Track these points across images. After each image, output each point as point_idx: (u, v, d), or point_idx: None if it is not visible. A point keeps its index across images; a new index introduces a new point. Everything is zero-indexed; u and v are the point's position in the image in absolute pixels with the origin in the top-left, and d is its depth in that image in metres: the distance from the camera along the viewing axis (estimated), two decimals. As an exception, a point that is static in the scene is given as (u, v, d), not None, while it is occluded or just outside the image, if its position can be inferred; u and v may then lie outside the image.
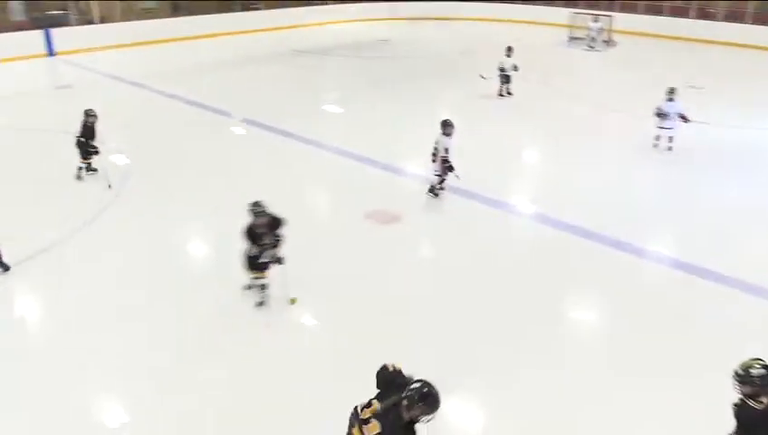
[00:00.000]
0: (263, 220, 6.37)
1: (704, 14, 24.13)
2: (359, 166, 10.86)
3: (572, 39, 23.05)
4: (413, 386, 3.57)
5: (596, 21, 22.17)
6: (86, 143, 9.73)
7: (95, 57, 19.73)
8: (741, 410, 3.83)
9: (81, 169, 9.94)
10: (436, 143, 9.12)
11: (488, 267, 7.58)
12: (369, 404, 3.72)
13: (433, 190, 9.38)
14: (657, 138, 11.35)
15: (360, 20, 27.29)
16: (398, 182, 10.26)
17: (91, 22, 21.75)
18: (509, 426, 5.11)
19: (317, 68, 19.25)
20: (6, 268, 7.33)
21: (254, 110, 13.94)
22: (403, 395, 3.55)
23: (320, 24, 26.31)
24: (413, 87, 16.60)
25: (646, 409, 5.24)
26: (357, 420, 3.76)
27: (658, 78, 15.48)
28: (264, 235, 6.39)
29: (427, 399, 3.52)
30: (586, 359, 5.92)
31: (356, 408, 3.81)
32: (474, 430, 4.72)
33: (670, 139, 11.24)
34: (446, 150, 8.99)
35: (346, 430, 3.86)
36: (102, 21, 21.84)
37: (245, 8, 25.57)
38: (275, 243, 6.46)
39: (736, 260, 7.61)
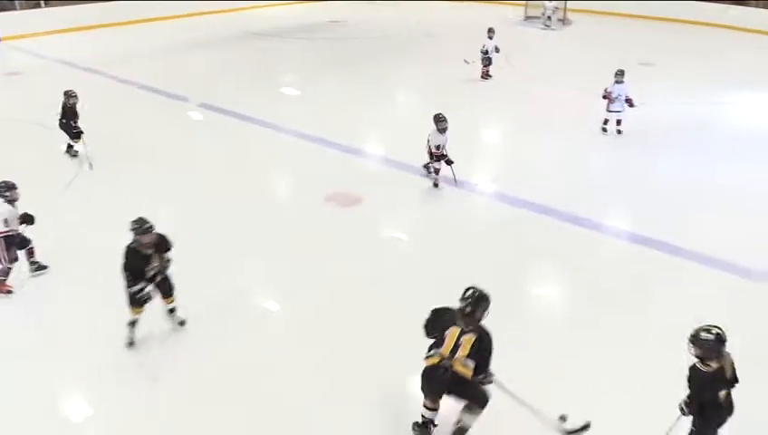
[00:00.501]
0: (149, 238, 5.41)
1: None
2: (318, 148, 10.81)
3: (528, 18, 23.20)
4: (467, 296, 4.34)
5: (551, 0, 22.34)
6: (69, 124, 9.79)
7: (43, 42, 19.04)
8: (692, 372, 4.06)
9: (71, 147, 10.03)
10: (429, 138, 8.84)
11: (450, 245, 7.67)
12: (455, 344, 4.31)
13: (436, 184, 9.15)
14: (606, 122, 11.26)
15: (314, 0, 26.95)
16: (358, 164, 10.25)
17: (37, 5, 20.98)
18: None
19: (273, 50, 18.97)
20: (42, 268, 6.97)
21: (210, 94, 13.70)
22: (464, 306, 4.32)
23: (274, 6, 25.87)
24: (370, 68, 16.53)
25: (607, 379, 5.42)
26: (449, 359, 4.29)
27: (613, 56, 15.73)
28: (150, 257, 5.48)
29: (484, 298, 4.33)
30: (547, 332, 6.07)
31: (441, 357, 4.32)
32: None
33: (618, 122, 11.18)
34: (438, 147, 8.74)
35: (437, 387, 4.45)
36: (49, 4, 21.09)
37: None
38: (163, 268, 5.59)
39: (691, 233, 7.86)
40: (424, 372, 4.46)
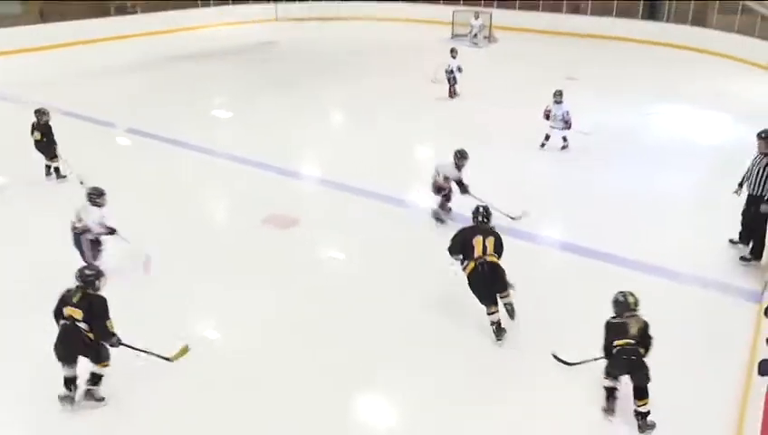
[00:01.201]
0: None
1: (575, 9, 25.60)
2: (253, 171, 10.64)
3: (455, 36, 23.73)
4: (480, 211, 6.51)
5: (477, 18, 22.93)
6: (51, 142, 9.70)
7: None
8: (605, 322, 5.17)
9: (48, 166, 9.84)
10: (439, 171, 8.46)
11: (390, 264, 7.65)
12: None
13: (439, 217, 8.72)
14: (547, 137, 11.51)
15: (243, 22, 26.70)
16: (293, 185, 10.14)
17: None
18: (418, 411, 5.21)
19: (203, 73, 18.64)
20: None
21: (139, 118, 13.30)
22: (480, 220, 6.44)
23: (202, 28, 25.47)
24: (303, 88, 16.47)
25: (554, 392, 5.51)
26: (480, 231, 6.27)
27: (540, 71, 16.26)
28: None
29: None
30: (490, 344, 6.11)
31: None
32: (391, 419, 4.75)
33: (564, 139, 11.47)
34: (446, 179, 8.41)
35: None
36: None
37: (121, 12, 24.33)
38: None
39: (633, 243, 8.10)
40: (470, 279, 6.14)
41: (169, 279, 7.21)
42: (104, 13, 23.96)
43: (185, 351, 5.67)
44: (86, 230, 6.94)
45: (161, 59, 20.12)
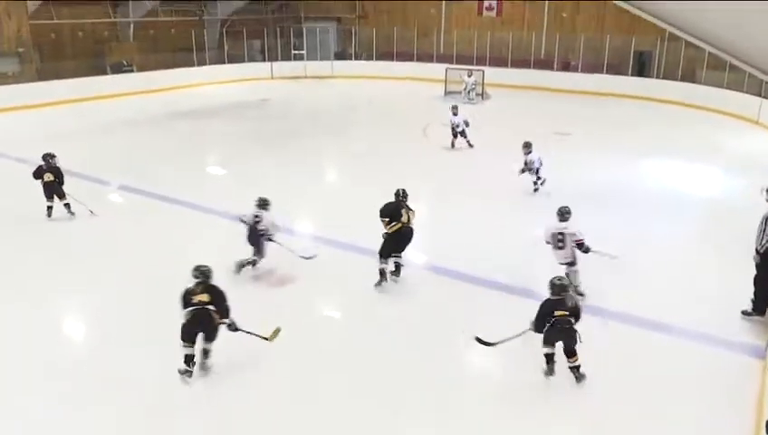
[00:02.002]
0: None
1: (565, 66, 26.30)
2: (244, 228, 10.61)
3: (448, 93, 24.23)
4: (402, 194, 8.52)
5: (470, 75, 23.47)
6: (60, 183, 10.55)
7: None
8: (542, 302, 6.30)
9: (51, 208, 10.64)
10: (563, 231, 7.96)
11: (386, 322, 7.58)
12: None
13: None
14: (537, 180, 12.21)
15: (238, 80, 27.25)
16: (288, 242, 10.11)
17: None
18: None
19: (197, 130, 18.88)
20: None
21: (132, 176, 13.36)
22: (403, 196, 8.50)
23: (197, 86, 25.95)
24: (295, 144, 16.66)
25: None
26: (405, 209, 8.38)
27: (532, 127, 16.53)
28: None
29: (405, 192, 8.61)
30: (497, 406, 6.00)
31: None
32: None
33: (543, 182, 12.15)
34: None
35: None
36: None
37: (117, 70, 24.82)
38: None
39: (630, 298, 8.11)
40: (393, 235, 8.24)
41: (158, 338, 7.12)
42: (100, 71, 24.48)
43: (277, 331, 6.69)
44: (266, 231, 8.60)
45: (156, 117, 20.40)
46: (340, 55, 31.00)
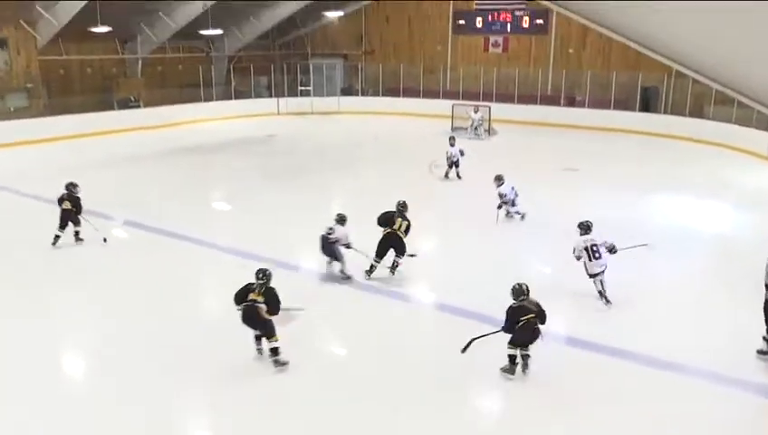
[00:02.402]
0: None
1: (571, 102, 26.56)
2: (252, 264, 10.62)
3: (455, 129, 24.44)
4: (402, 204, 10.09)
5: (477, 111, 23.71)
6: (77, 212, 11.23)
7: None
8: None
9: (58, 236, 11.16)
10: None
11: (395, 360, 7.56)
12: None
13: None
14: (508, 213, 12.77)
15: (245, 116, 27.57)
16: (295, 279, 10.15)
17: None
18: None
19: (203, 166, 19.08)
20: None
21: (137, 211, 13.48)
22: (402, 208, 10.03)
23: (204, 122, 26.29)
24: (302, 180, 16.80)
25: None
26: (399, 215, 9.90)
27: (540, 163, 16.66)
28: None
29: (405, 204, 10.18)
30: None
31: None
32: None
33: (523, 216, 12.77)
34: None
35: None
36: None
37: (124, 106, 25.22)
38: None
39: (639, 336, 8.05)
40: (382, 239, 9.81)
41: (163, 376, 7.11)
42: (108, 106, 24.88)
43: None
44: (337, 241, 9.71)
45: (162, 152, 20.65)
46: (347, 91, 31.41)
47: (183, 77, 27.66)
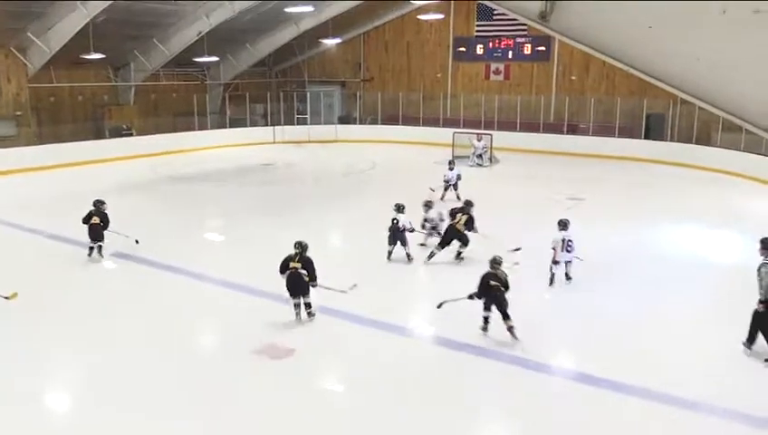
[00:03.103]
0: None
1: (574, 130, 26.76)
2: (245, 297, 10.64)
3: (456, 157, 24.53)
4: (469, 202, 12.46)
5: (480, 139, 23.85)
6: (105, 226, 12.35)
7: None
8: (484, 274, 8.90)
9: (93, 248, 12.32)
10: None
11: (392, 396, 7.48)
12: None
13: None
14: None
15: (240, 144, 27.76)
16: (287, 312, 10.09)
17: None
18: None
19: (197, 195, 19.13)
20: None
21: (126, 242, 13.45)
22: (468, 205, 12.40)
23: (198, 150, 26.43)
24: (298, 211, 16.81)
25: None
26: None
27: (545, 192, 16.70)
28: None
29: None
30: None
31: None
32: None
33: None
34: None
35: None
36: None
37: (116, 134, 25.38)
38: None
39: (646, 369, 7.99)
40: (447, 231, 12.05)
41: (147, 413, 7.03)
42: (99, 135, 25.05)
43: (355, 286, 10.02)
44: (404, 227, 11.99)
45: (155, 181, 20.71)
46: (345, 119, 31.66)
47: (177, 105, 27.93)
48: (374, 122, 30.71)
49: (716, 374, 7.95)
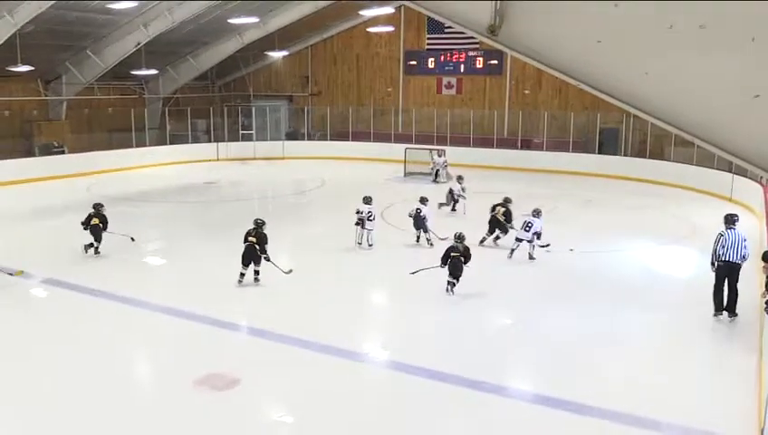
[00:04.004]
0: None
1: (529, 145, 27.30)
2: (187, 324, 10.42)
3: (408, 174, 24.75)
4: (507, 199, 15.19)
5: (441, 155, 24.07)
6: (104, 227, 13.82)
7: None
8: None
9: (91, 246, 13.78)
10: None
11: (344, 426, 7.42)
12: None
13: None
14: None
15: (180, 162, 27.37)
16: (233, 339, 9.95)
17: None
18: None
19: (134, 216, 18.69)
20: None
21: (58, 267, 13.07)
22: (507, 202, 15.03)
23: (136, 168, 25.96)
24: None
25: None
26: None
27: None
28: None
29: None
30: None
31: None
32: None
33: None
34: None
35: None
36: None
37: (46, 152, 24.71)
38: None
39: (602, 389, 8.14)
40: (490, 221, 14.69)
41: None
42: (27, 152, 24.36)
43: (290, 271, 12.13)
44: (426, 217, 14.63)
45: (88, 202, 20.01)
46: (292, 135, 31.63)
47: (113, 120, 27.44)
48: (323, 138, 30.76)
49: (674, 392, 8.13)
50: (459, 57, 29.01)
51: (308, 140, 31.09)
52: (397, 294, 12.26)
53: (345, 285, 12.32)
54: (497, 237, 14.83)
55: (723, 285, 10.09)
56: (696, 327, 10.15)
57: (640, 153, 24.69)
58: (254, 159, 28.78)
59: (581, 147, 26.08)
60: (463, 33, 26.31)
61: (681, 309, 10.96)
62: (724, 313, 10.10)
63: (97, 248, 13.88)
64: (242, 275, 11.80)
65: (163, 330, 10.29)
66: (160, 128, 29.19)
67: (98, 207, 14.17)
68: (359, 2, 25.26)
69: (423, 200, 14.88)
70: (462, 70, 29.15)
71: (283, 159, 29.00)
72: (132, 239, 14.35)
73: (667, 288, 12.31)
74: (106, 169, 24.95)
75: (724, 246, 10.08)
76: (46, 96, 25.92)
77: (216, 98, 32.49)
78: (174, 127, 29.30)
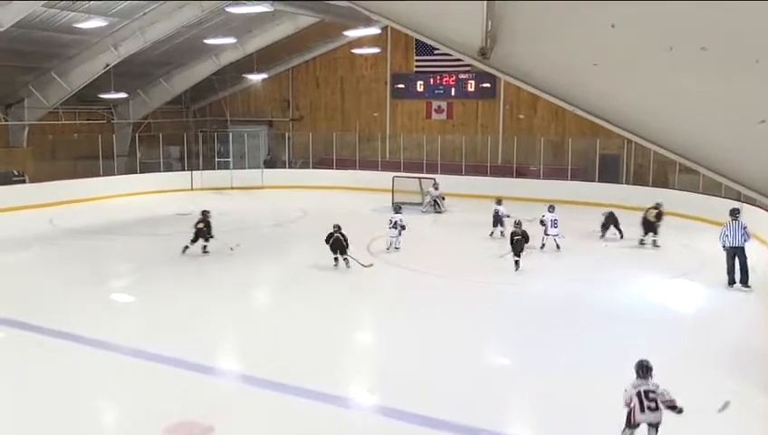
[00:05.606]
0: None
1: (524, 173, 27.49)
2: (156, 367, 10.32)
3: (396, 203, 24.74)
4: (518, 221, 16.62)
5: (437, 188, 24.18)
6: (208, 231, 16.99)
7: None
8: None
9: (187, 247, 16.83)
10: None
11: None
12: None
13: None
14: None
15: (151, 192, 27.35)
16: (207, 384, 9.85)
17: None
18: None
19: (101, 250, 18.67)
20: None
21: (18, 307, 12.94)
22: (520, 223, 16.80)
23: (104, 199, 25.89)
24: (218, 266, 16.58)
25: None
26: None
27: (494, 239, 16.99)
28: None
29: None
30: None
31: None
32: None
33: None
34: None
35: None
36: None
37: (6, 181, 24.61)
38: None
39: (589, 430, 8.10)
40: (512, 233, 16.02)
41: None
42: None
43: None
44: (504, 215, 18.37)
45: (51, 235, 20.11)
46: (272, 163, 31.72)
47: (79, 147, 27.45)
48: (305, 166, 30.86)
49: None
50: (450, 80, 29.26)
51: (289, 167, 31.20)
52: (387, 327, 12.23)
53: (327, 322, 12.26)
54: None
55: (734, 263, 13.68)
56: (701, 358, 10.18)
57: (643, 181, 24.89)
58: (231, 188, 28.81)
59: (581, 174, 26.27)
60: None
61: (687, 340, 11.02)
62: (738, 284, 13.64)
63: (205, 247, 17.00)
64: (186, 247, 16.69)
65: (130, 373, 10.17)
66: (130, 155, 29.20)
67: (206, 213, 17.31)
68: (342, 22, 25.54)
69: (499, 201, 19.25)
70: (453, 93, 29.40)
71: (262, 188, 29.04)
72: (231, 249, 17.17)
73: (673, 319, 12.42)
74: (71, 199, 24.86)
75: (728, 235, 13.93)
76: (6, 121, 25.88)
77: (190, 123, 32.62)
78: (145, 154, 29.31)
